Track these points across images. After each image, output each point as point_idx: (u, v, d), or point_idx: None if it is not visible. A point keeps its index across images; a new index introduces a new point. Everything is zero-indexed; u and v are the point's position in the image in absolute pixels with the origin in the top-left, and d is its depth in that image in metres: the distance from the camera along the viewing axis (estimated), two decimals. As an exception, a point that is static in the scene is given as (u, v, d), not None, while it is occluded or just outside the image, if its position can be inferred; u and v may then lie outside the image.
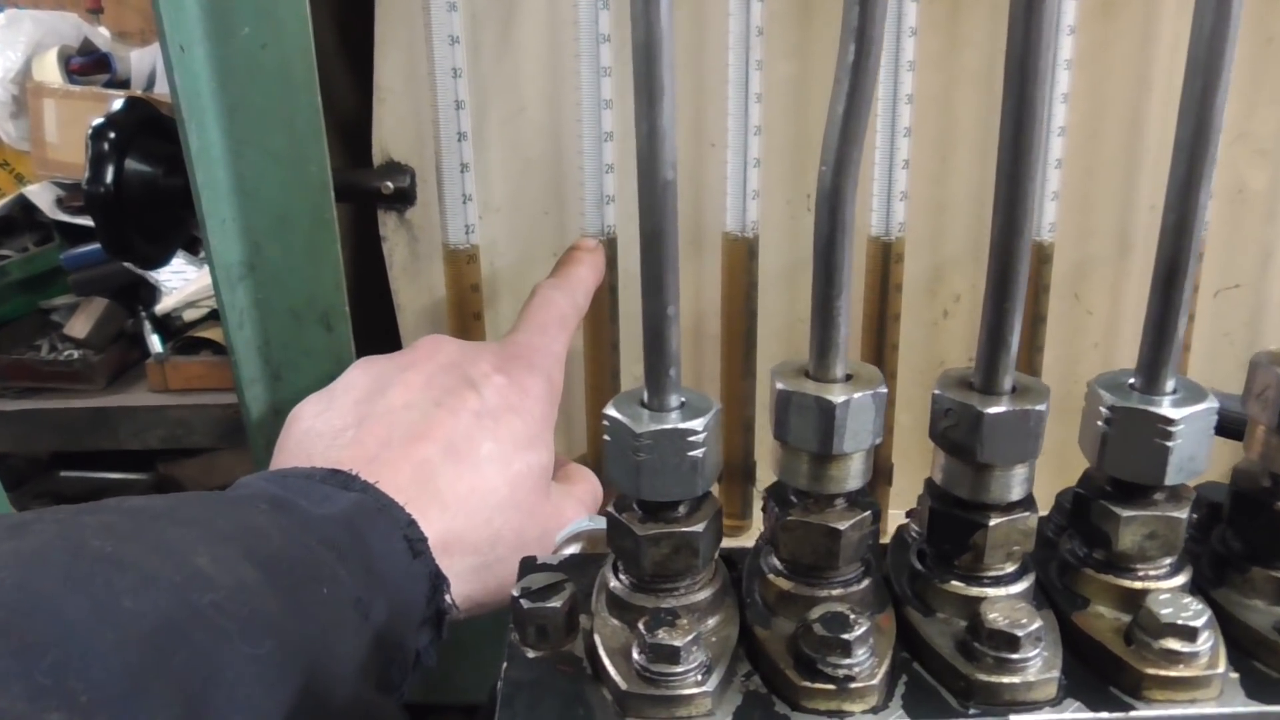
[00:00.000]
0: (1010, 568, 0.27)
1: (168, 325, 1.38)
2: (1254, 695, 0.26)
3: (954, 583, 0.27)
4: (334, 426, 0.50)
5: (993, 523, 0.26)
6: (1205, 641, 0.26)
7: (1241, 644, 0.27)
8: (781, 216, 0.70)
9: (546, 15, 0.64)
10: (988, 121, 0.68)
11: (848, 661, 0.25)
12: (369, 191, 0.70)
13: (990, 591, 0.27)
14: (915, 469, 0.74)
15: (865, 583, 0.27)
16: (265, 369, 0.67)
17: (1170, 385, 0.26)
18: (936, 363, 0.74)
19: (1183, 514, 0.27)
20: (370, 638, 0.37)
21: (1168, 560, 0.27)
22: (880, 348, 0.71)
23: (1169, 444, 0.25)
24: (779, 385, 0.26)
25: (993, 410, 0.25)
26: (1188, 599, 0.26)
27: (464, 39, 0.64)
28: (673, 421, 0.25)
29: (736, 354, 0.70)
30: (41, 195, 1.46)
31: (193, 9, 0.57)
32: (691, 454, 0.25)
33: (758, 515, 0.75)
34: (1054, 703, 0.26)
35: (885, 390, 0.26)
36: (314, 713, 0.33)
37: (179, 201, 0.65)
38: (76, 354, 1.39)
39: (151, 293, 1.40)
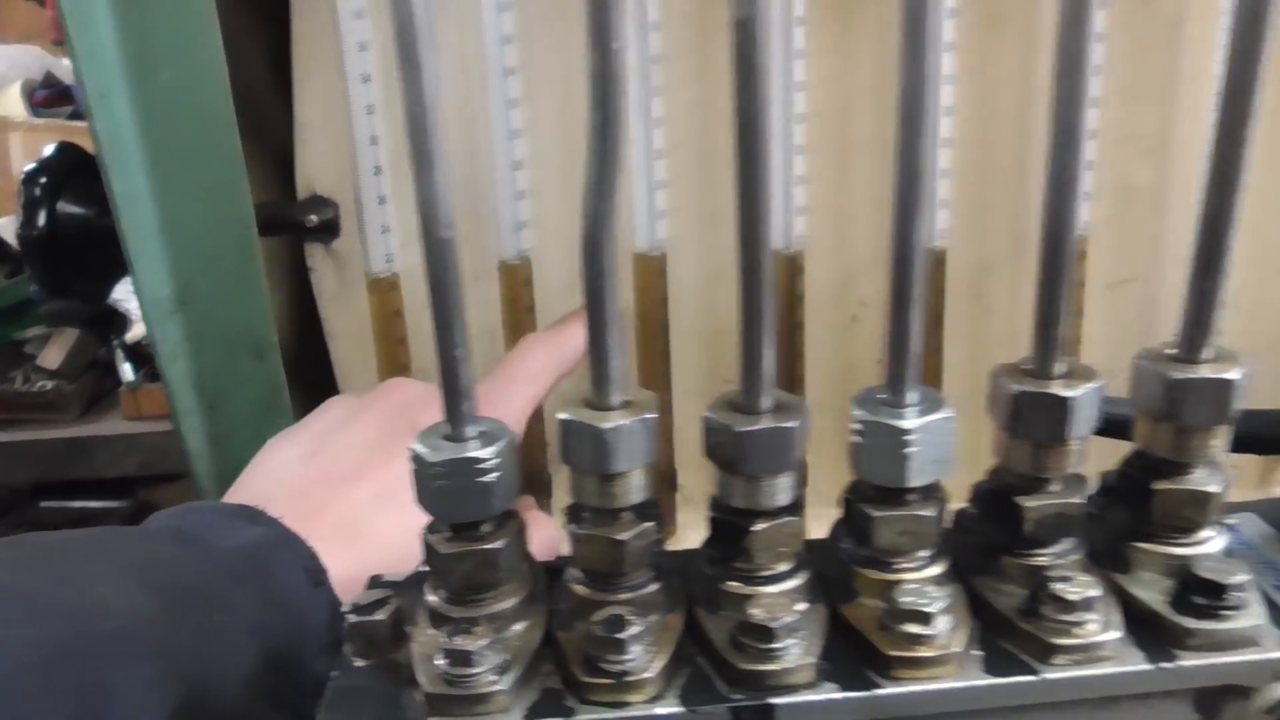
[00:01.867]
0: (783, 567, 0.31)
1: (139, 353, 1.41)
2: (991, 671, 0.29)
3: (730, 583, 0.30)
4: (287, 458, 0.54)
5: (758, 527, 0.30)
6: (942, 625, 0.29)
7: (991, 625, 0.31)
8: (693, 234, 0.73)
9: (458, 50, 0.67)
10: (885, 132, 0.71)
11: (623, 658, 0.28)
12: (295, 225, 0.73)
13: (763, 589, 0.30)
14: (832, 471, 0.77)
15: (653, 587, 0.30)
16: (200, 400, 0.71)
17: (912, 398, 0.30)
18: (849, 366, 0.77)
19: (932, 512, 0.30)
20: (264, 661, 0.41)
21: (923, 553, 0.31)
22: (789, 355, 0.74)
23: (907, 451, 0.29)
24: (560, 415, 0.29)
25: (748, 429, 0.29)
26: (932, 588, 0.29)
27: (378, 76, 0.67)
28: (467, 450, 0.28)
29: (653, 367, 0.74)
30: (9, 228, 1.50)
31: (112, 57, 0.59)
32: (482, 479, 0.28)
33: (682, 521, 0.79)
34: (812, 685, 0.29)
35: (655, 415, 0.29)
36: None
37: (113, 240, 0.68)
38: (50, 385, 1.43)
39: (123, 321, 1.44)
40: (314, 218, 0.73)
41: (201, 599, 0.40)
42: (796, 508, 0.30)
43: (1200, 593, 0.30)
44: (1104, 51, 0.69)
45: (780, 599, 0.30)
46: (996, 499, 0.31)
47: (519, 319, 0.73)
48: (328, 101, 0.68)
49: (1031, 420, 0.30)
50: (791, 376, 0.74)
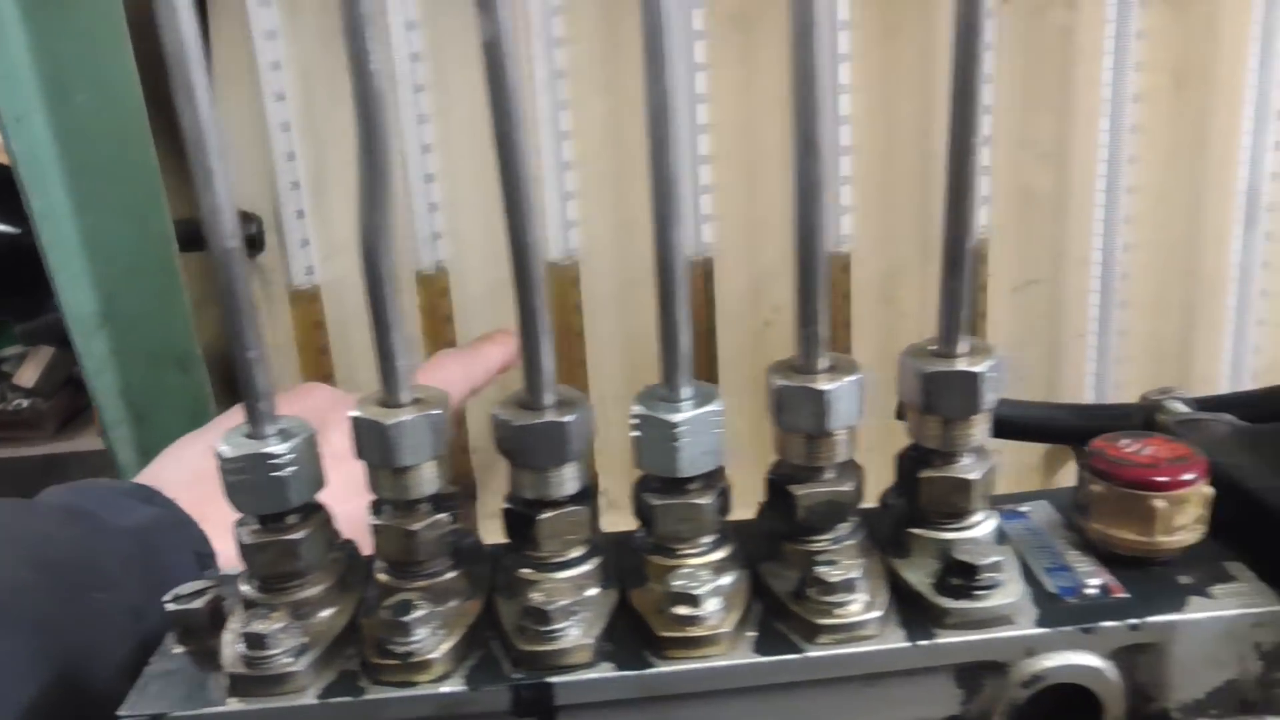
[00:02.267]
0: (573, 554, 0.32)
1: (112, 369, 1.43)
2: (760, 650, 0.31)
3: (522, 570, 0.32)
4: (195, 451, 0.55)
5: (544, 516, 0.32)
6: (712, 607, 0.31)
7: (770, 608, 0.32)
8: (607, 243, 0.75)
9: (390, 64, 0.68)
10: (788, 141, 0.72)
11: (408, 640, 0.30)
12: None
13: (551, 575, 0.32)
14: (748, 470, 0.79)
15: (451, 574, 0.32)
16: (129, 412, 0.73)
17: (686, 393, 0.31)
18: (762, 369, 0.79)
19: (707, 500, 0.32)
20: (146, 642, 0.42)
21: (706, 539, 0.32)
22: (705, 359, 0.76)
23: (677, 444, 0.30)
24: (351, 413, 0.31)
25: (526, 423, 0.30)
26: (705, 573, 0.31)
27: (293, 93, 0.69)
28: (264, 447, 0.30)
29: (571, 374, 0.76)
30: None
31: (27, 80, 0.62)
32: (278, 474, 0.30)
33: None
34: (589, 665, 0.31)
35: (440, 411, 0.31)
36: (70, 704, 0.38)
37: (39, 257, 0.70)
38: (26, 403, 1.45)
39: (97, 338, 1.46)
40: (238, 233, 0.75)
41: (85, 575, 0.41)
42: (583, 497, 0.32)
43: (956, 574, 0.31)
44: (999, 60, 0.71)
45: (564, 584, 0.32)
46: (775, 489, 0.33)
47: (438, 328, 0.75)
48: (246, 119, 0.70)
49: (797, 413, 0.31)
50: (708, 380, 0.76)
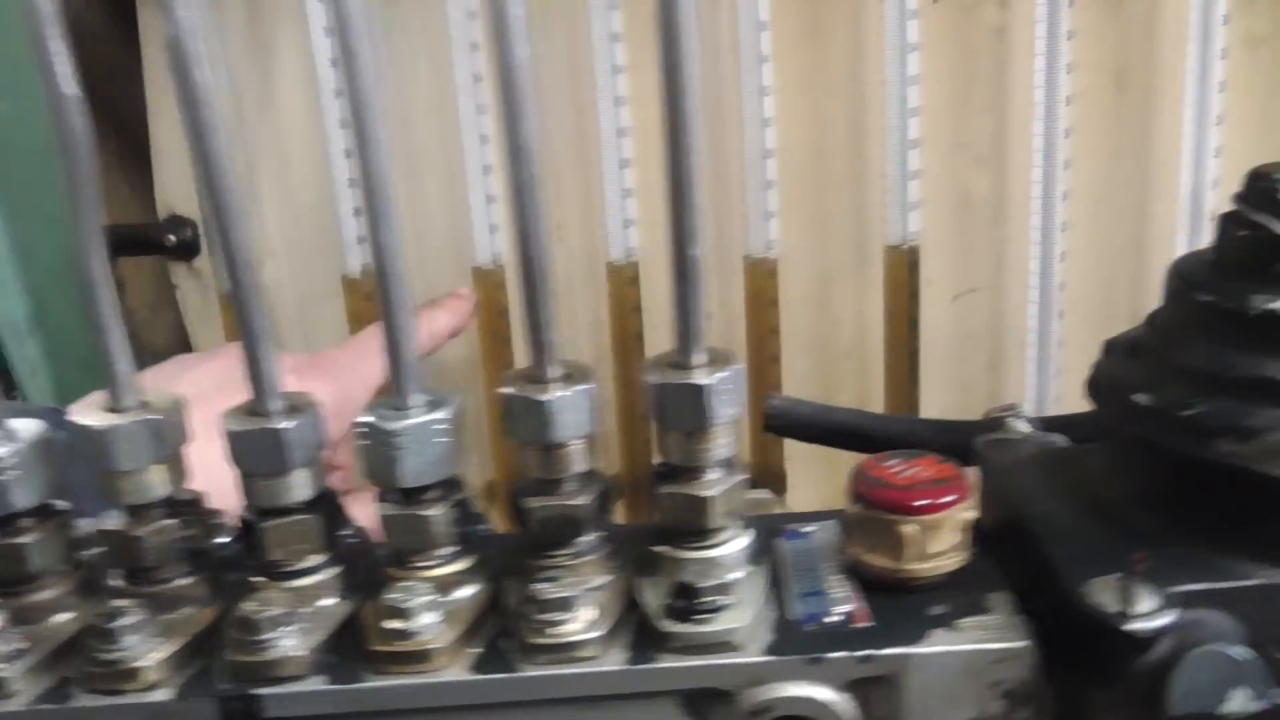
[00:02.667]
0: (304, 563, 0.32)
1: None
2: (480, 668, 0.30)
3: (254, 577, 0.32)
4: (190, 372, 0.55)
5: (266, 524, 0.31)
6: (426, 621, 0.30)
7: (505, 625, 0.31)
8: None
9: (301, 74, 0.69)
10: (716, 144, 0.71)
11: (114, 647, 0.30)
12: (155, 244, 0.77)
13: (282, 584, 0.32)
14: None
15: (184, 581, 0.32)
16: (61, 413, 0.74)
17: (414, 400, 0.31)
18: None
19: (436, 512, 0.31)
20: None
21: (441, 552, 0.32)
22: (627, 366, 0.75)
23: (396, 454, 0.30)
24: (76, 418, 0.31)
25: (245, 428, 0.30)
26: (423, 586, 0.30)
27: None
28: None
29: (495, 374, 0.75)
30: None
31: (-50, 91, 0.63)
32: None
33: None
34: (302, 677, 0.30)
35: (159, 417, 0.31)
36: None
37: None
38: None
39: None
40: (172, 237, 0.76)
41: None
42: (315, 505, 0.32)
43: (680, 596, 0.30)
44: (932, 60, 0.69)
45: (286, 594, 0.31)
46: (514, 502, 0.32)
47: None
48: (178, 124, 0.71)
49: (524, 424, 0.30)
50: (631, 388, 0.75)
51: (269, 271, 0.76)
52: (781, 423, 0.48)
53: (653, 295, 0.75)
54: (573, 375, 0.31)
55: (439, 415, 0.30)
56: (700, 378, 0.30)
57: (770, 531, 0.35)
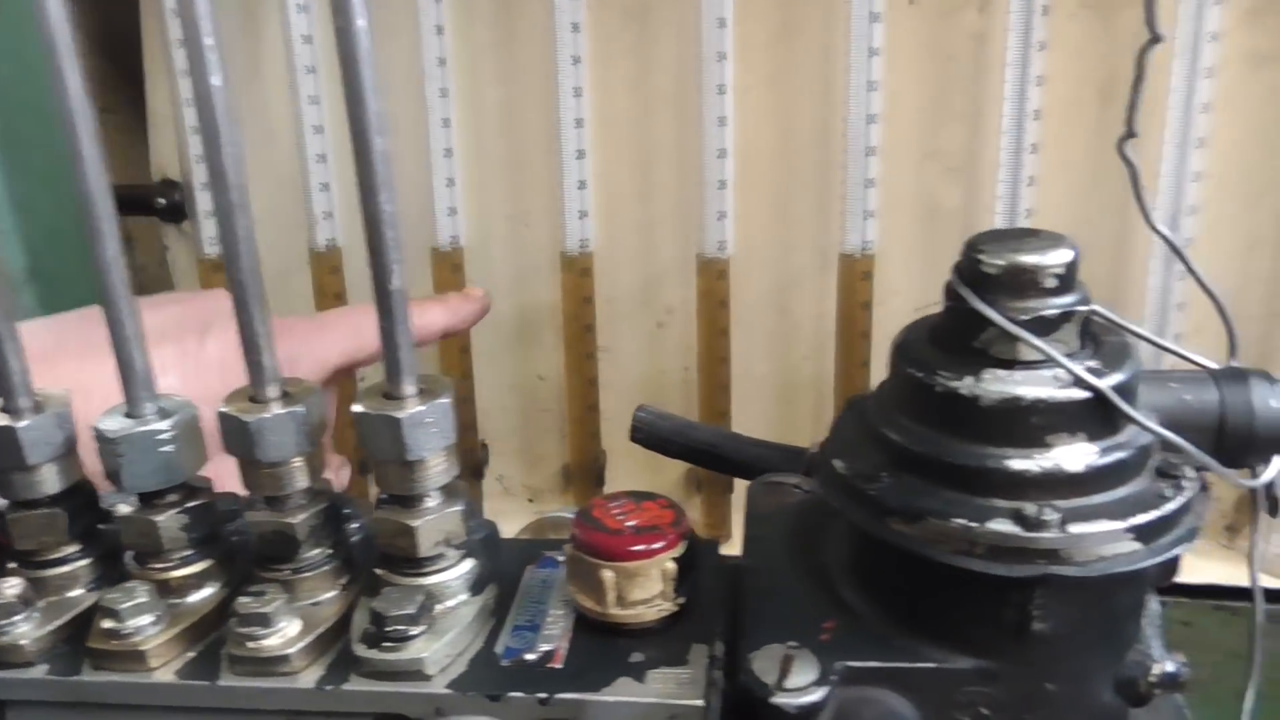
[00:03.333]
0: (56, 554, 0.34)
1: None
2: (190, 673, 0.31)
3: (10, 565, 0.34)
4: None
5: (14, 516, 0.33)
6: (138, 623, 0.31)
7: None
8: (503, 231, 0.75)
9: (282, 48, 0.71)
10: (681, 140, 0.71)
11: None
12: (146, 206, 0.80)
13: (35, 574, 0.33)
14: (633, 468, 0.78)
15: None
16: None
17: (150, 409, 0.32)
18: (656, 370, 0.77)
19: (159, 517, 0.32)
20: None
21: (179, 554, 0.33)
22: (579, 356, 0.75)
23: (117, 460, 0.31)
24: None
25: (17, 425, 0.32)
26: (144, 588, 0.32)
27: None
28: None
29: (453, 360, 0.76)
30: None
31: (-51, 54, 0.67)
32: None
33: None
34: (29, 664, 0.32)
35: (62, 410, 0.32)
36: None
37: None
38: None
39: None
40: (161, 200, 0.80)
41: None
42: (61, 499, 0.33)
43: (374, 622, 0.30)
44: (906, 65, 0.66)
45: (36, 582, 0.33)
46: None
47: (329, 306, 0.77)
48: (174, 92, 0.74)
49: (235, 442, 0.31)
50: (585, 376, 0.75)
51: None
52: (645, 435, 0.48)
53: (613, 286, 0.75)
54: (292, 396, 0.31)
55: (163, 425, 0.31)
56: (402, 410, 0.30)
57: (526, 558, 0.35)
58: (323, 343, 0.56)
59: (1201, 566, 0.71)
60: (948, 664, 0.26)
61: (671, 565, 0.30)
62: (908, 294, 0.72)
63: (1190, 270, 0.29)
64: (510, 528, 0.84)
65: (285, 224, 0.76)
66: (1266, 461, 0.27)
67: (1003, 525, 0.25)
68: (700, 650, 0.30)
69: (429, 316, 0.63)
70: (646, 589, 0.30)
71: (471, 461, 0.79)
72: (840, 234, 0.69)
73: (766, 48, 0.68)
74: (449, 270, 0.74)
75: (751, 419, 0.74)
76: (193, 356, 0.52)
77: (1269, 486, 0.28)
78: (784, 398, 0.77)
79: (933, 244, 0.71)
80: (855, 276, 0.69)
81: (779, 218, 0.72)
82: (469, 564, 0.32)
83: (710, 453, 0.46)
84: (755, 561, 0.31)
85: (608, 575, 0.30)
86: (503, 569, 0.34)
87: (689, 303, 0.74)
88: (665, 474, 0.77)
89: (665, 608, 0.31)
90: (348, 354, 0.57)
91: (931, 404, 0.26)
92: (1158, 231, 0.29)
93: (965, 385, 0.25)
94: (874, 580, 0.28)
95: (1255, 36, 0.62)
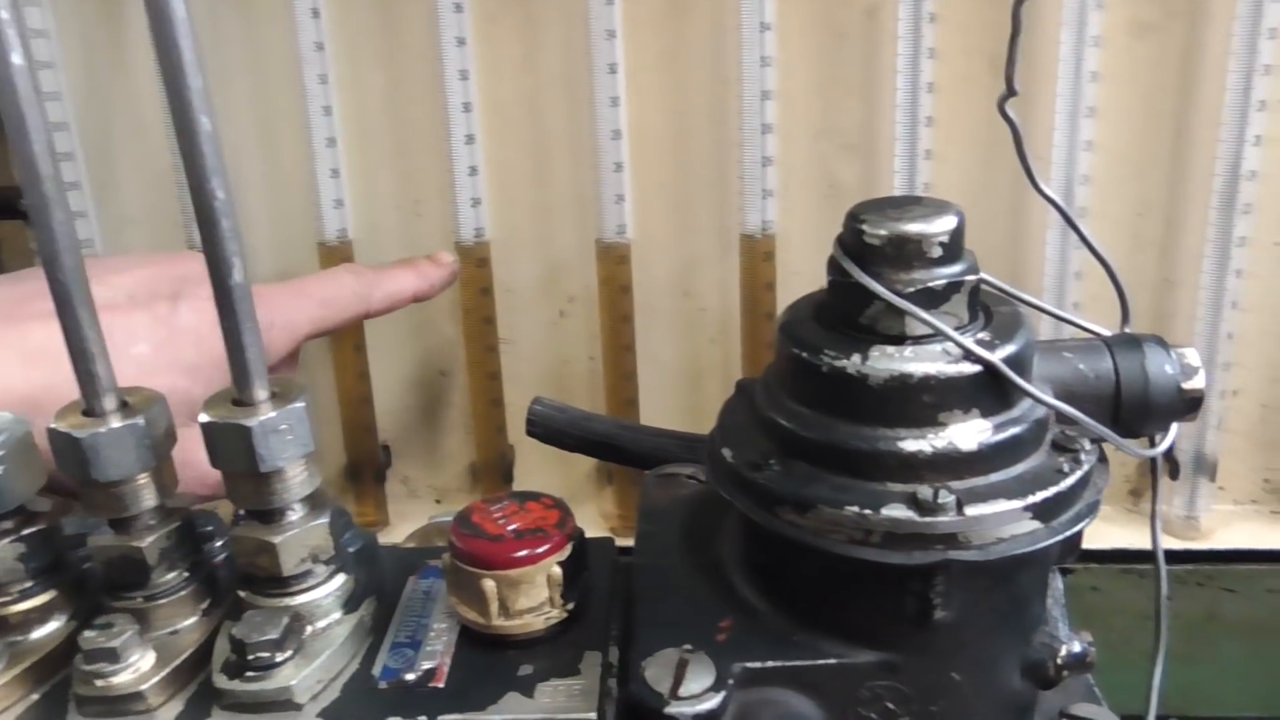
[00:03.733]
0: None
1: None
2: (34, 714, 0.28)
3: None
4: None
5: None
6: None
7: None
8: (392, 222, 0.72)
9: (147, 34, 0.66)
10: (574, 122, 0.68)
11: None
12: (11, 209, 0.75)
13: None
14: (542, 462, 0.75)
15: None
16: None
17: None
18: (560, 360, 0.75)
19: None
20: None
21: (13, 589, 0.30)
22: (480, 349, 0.72)
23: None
24: None
25: None
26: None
27: (63, 61, 0.68)
28: None
29: (348, 361, 0.73)
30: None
31: None
32: None
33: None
34: None
35: None
36: None
37: None
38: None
39: None
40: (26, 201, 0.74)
41: None
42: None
43: (234, 650, 0.28)
44: (795, 41, 0.65)
45: None
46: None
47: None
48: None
49: (66, 463, 0.28)
50: (486, 370, 0.73)
51: (130, 238, 0.74)
52: (541, 429, 0.46)
53: (512, 275, 0.72)
54: (131, 407, 0.28)
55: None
56: (252, 418, 0.27)
57: (408, 568, 0.33)
58: (295, 309, 0.55)
59: (1107, 531, 0.72)
60: (849, 659, 0.25)
61: (557, 570, 0.28)
62: (811, 274, 0.70)
63: (1079, 235, 0.29)
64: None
65: (289, 216, 0.72)
66: (1164, 429, 0.26)
67: (897, 511, 0.23)
68: (593, 658, 0.28)
69: (399, 281, 0.61)
70: (532, 597, 0.28)
71: (372, 464, 0.76)
72: (740, 214, 0.68)
73: (657, 25, 0.66)
74: (340, 261, 0.71)
75: (660, 406, 0.73)
76: (165, 323, 0.50)
77: (1168, 451, 0.27)
78: (692, 383, 0.75)
79: (833, 222, 0.68)
80: (757, 257, 0.68)
81: (679, 199, 0.70)
82: (340, 579, 0.30)
83: (608, 444, 0.44)
84: (647, 559, 0.29)
85: (489, 585, 0.28)
86: (383, 581, 0.32)
87: (591, 290, 0.72)
88: (577, 466, 0.75)
89: (554, 615, 0.29)
90: (317, 321, 0.56)
91: (818, 385, 0.24)
92: (1043, 193, 0.28)
93: (852, 364, 0.24)
94: (769, 574, 0.27)
95: (1137, 6, 0.62)
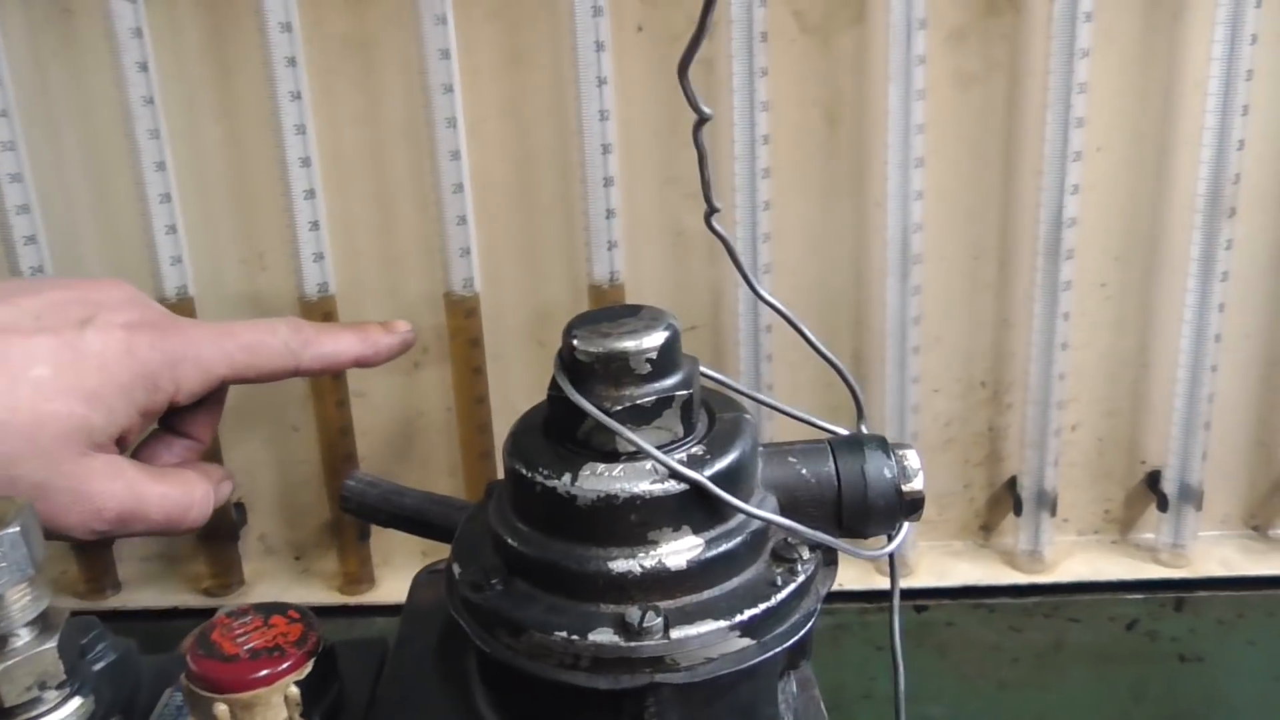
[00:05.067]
0: None
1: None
2: None
3: None
4: None
5: None
6: None
7: None
8: (237, 276, 0.71)
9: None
10: (417, 175, 0.68)
11: None
12: None
13: None
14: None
15: None
16: None
17: None
18: (415, 413, 0.74)
19: None
20: None
21: None
22: (330, 404, 0.71)
23: None
24: None
25: None
26: None
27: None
28: None
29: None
30: None
31: None
32: None
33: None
34: None
35: None
36: None
37: None
38: None
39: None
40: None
41: None
42: None
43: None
44: (634, 91, 0.65)
45: None
46: None
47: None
48: None
49: None
50: (337, 425, 0.72)
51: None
52: (355, 505, 0.45)
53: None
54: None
55: None
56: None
57: (168, 680, 0.32)
58: (212, 348, 0.53)
59: (960, 568, 0.74)
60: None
61: (295, 690, 0.27)
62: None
63: (805, 337, 0.29)
64: (274, 589, 0.79)
65: (128, 272, 0.69)
66: (892, 529, 0.27)
67: (603, 636, 0.23)
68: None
69: (339, 343, 0.59)
70: (270, 718, 0.27)
71: (226, 523, 0.74)
72: (588, 264, 0.68)
73: (496, 78, 0.66)
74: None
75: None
76: (70, 347, 0.49)
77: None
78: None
79: (682, 269, 0.70)
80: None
81: (527, 250, 0.70)
82: (75, 704, 0.28)
83: (418, 520, 0.44)
84: (398, 669, 0.28)
85: (222, 709, 0.27)
86: (135, 697, 0.30)
87: (444, 341, 0.71)
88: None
89: (297, 736, 0.28)
90: (236, 366, 0.54)
91: (536, 502, 0.24)
92: (762, 298, 0.28)
93: (563, 484, 0.24)
94: (500, 693, 0.26)
95: (960, 58, 0.64)
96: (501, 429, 0.72)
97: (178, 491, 0.54)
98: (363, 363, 0.61)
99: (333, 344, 0.59)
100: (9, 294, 0.52)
